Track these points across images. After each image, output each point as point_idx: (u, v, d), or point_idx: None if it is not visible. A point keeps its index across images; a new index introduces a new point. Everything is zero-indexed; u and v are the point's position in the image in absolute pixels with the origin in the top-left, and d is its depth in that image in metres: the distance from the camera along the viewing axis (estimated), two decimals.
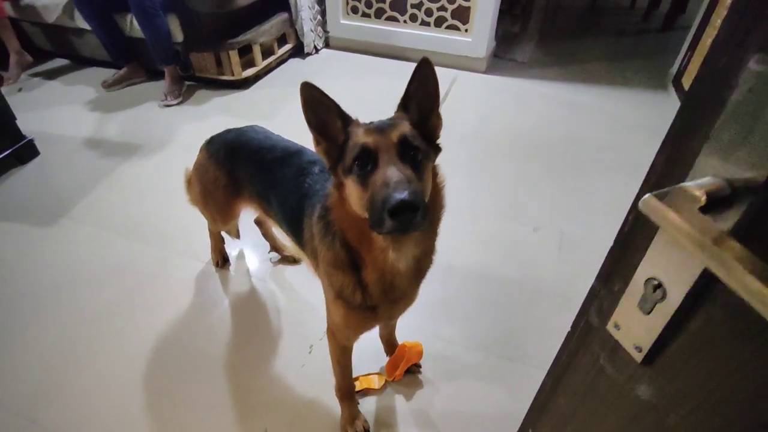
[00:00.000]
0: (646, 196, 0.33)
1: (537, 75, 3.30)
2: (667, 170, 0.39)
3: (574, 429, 0.61)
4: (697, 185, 0.33)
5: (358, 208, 0.87)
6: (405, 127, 0.86)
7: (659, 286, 0.41)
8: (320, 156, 0.94)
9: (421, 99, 0.89)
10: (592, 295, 0.51)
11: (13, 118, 2.28)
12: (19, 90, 2.96)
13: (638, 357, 0.45)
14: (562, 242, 1.92)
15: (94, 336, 1.56)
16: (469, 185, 2.25)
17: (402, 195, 0.74)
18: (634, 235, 0.44)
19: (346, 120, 0.91)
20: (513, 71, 3.35)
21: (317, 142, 0.93)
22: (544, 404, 0.66)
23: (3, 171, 2.27)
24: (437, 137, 0.94)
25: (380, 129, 0.86)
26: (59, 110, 2.80)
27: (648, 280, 0.42)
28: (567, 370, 0.59)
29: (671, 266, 0.38)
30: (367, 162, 0.84)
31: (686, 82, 2.86)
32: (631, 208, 0.44)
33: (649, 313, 0.43)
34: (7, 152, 2.25)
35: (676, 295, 0.39)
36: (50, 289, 1.72)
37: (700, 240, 0.31)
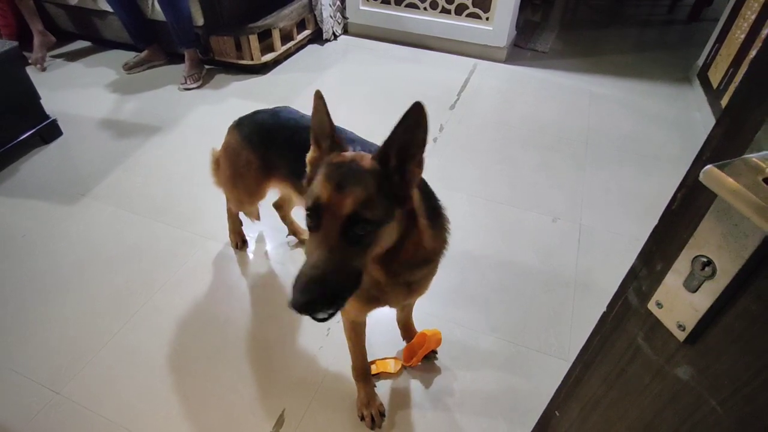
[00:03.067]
0: (708, 166, 0.33)
1: (558, 66, 3.25)
2: (724, 144, 0.38)
3: (604, 411, 0.61)
4: (761, 156, 0.32)
5: None
6: (361, 196, 0.77)
7: (708, 263, 0.41)
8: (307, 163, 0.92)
9: (405, 145, 0.80)
10: (632, 274, 0.50)
11: (37, 98, 2.32)
12: (43, 70, 3.00)
13: (681, 336, 0.45)
14: (582, 233, 1.91)
15: (115, 313, 1.59)
16: (488, 173, 2.24)
17: (301, 294, 0.73)
18: (683, 213, 0.43)
19: (332, 145, 0.88)
20: (533, 61, 3.30)
21: (312, 150, 0.91)
22: (573, 387, 0.65)
23: (28, 150, 2.31)
24: (411, 187, 0.86)
25: (339, 185, 0.78)
26: (81, 91, 2.83)
27: (696, 258, 0.41)
28: (600, 352, 0.59)
29: (725, 241, 0.38)
30: (313, 216, 0.79)
31: (713, 75, 2.79)
32: (680, 185, 0.43)
33: (695, 291, 0.42)
34: (32, 131, 2.29)
35: (727, 272, 0.39)
36: (73, 266, 1.75)
37: (765, 207, 0.30)
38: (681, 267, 0.43)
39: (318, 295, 0.74)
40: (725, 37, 2.75)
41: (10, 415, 1.32)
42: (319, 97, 0.85)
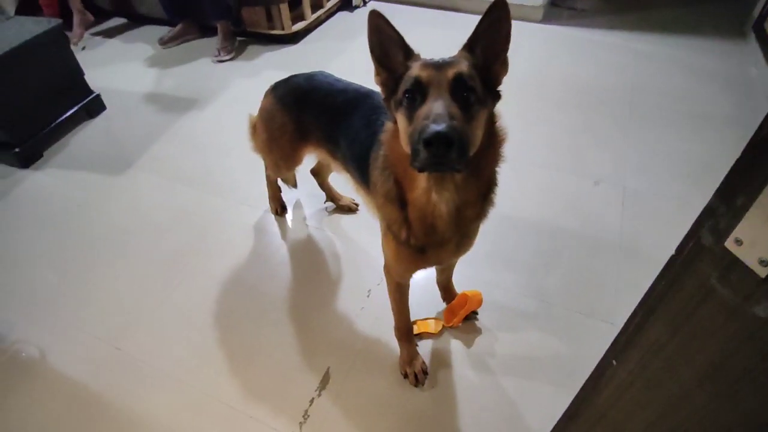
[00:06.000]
0: None
1: (599, 24, 3.09)
2: None
3: (668, 356, 0.60)
4: None
5: (404, 143, 0.87)
6: (463, 66, 0.83)
7: None
8: (378, 87, 0.95)
9: (489, 42, 0.87)
10: (708, 213, 0.48)
11: (81, 74, 2.39)
12: (83, 48, 3.08)
13: (763, 272, 0.43)
14: (626, 196, 1.85)
15: (166, 276, 1.67)
16: (527, 136, 2.18)
17: (439, 127, 0.73)
18: None
19: (408, 53, 0.91)
20: (572, 20, 3.15)
21: (377, 73, 0.94)
22: (633, 334, 0.64)
23: (75, 125, 2.40)
24: (498, 84, 0.90)
25: (437, 65, 0.84)
26: (120, 67, 2.90)
27: None
28: (665, 297, 0.57)
29: None
30: (416, 95, 0.83)
31: None
32: None
33: None
34: (78, 107, 2.37)
35: None
36: (125, 232, 1.84)
37: None
38: (766, 200, 0.41)
39: (452, 127, 0.75)
40: None
41: (77, 369, 1.41)
42: (377, 15, 0.87)
